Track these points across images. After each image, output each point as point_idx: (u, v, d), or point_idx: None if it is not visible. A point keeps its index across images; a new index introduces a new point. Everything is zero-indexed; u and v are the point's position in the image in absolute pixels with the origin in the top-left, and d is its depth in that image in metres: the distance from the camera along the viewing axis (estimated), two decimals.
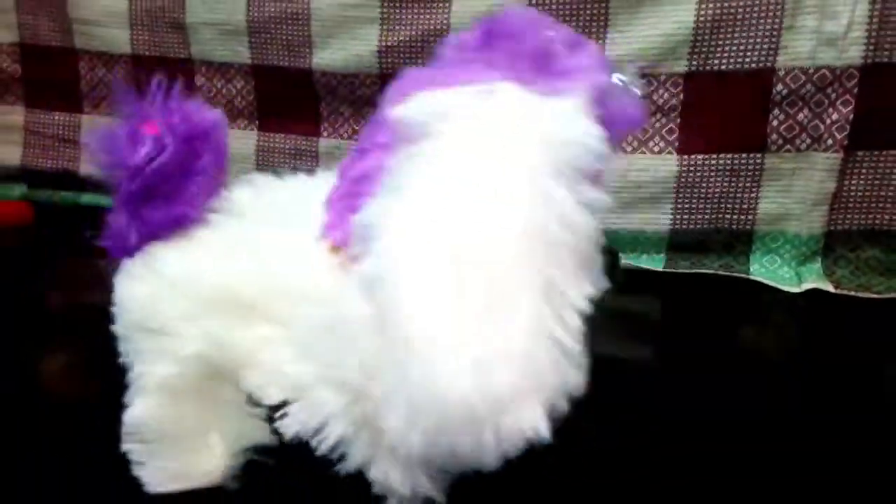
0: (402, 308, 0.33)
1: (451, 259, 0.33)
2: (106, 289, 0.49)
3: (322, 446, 0.40)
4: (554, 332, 0.33)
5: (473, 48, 0.40)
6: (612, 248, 0.40)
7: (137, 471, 0.48)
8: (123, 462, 0.48)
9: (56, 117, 1.17)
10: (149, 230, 0.47)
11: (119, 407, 0.48)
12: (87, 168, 1.16)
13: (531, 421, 0.32)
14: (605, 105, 0.38)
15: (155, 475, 0.48)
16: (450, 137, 0.36)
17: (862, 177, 0.87)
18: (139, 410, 0.47)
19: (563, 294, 0.34)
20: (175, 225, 0.47)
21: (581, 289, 0.35)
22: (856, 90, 0.84)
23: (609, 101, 0.38)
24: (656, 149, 0.92)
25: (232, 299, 0.43)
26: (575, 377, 0.34)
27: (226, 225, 0.47)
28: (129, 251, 0.48)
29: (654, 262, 0.95)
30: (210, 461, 0.49)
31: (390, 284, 0.33)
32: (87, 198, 1.18)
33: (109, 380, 0.49)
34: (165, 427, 0.48)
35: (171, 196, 0.46)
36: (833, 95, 0.85)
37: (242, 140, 1.08)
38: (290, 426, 0.41)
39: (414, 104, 0.38)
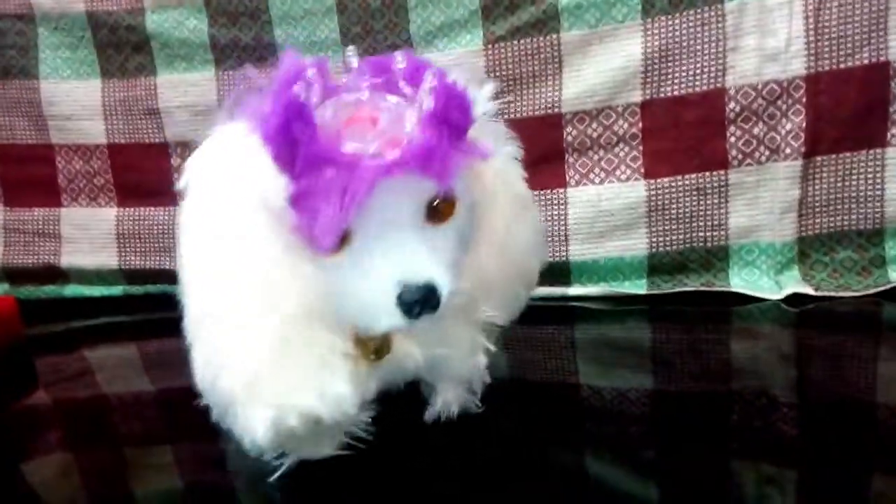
0: (190, 338, 0.47)
1: (212, 307, 0.44)
2: None
3: None
4: (291, 363, 0.43)
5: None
6: None
7: None
8: None
9: (35, 213, 1.18)
10: None
11: None
12: (68, 260, 1.18)
13: (254, 427, 0.43)
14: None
15: None
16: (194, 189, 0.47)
17: (823, 181, 0.90)
18: None
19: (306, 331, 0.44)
20: None
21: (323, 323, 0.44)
22: (804, 99, 0.88)
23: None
24: (623, 176, 0.95)
25: None
26: (311, 404, 0.43)
27: None
28: None
29: (636, 287, 0.96)
30: None
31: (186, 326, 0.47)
32: (70, 289, 1.19)
33: None
34: None
35: None
36: (784, 107, 0.89)
37: None
38: None
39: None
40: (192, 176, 0.46)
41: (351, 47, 0.45)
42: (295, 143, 0.39)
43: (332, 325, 0.44)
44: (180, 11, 1.06)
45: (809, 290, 0.89)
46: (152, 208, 1.14)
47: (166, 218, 1.13)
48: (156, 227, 1.14)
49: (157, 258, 1.14)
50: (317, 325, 0.43)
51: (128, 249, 1.15)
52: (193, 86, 1.07)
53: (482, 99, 0.49)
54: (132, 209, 1.15)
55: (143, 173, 1.13)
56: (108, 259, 1.16)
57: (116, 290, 1.18)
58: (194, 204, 0.46)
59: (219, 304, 0.44)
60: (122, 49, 1.10)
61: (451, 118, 0.42)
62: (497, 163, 0.50)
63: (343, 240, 0.42)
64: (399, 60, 0.44)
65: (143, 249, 1.15)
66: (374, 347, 0.49)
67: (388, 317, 0.42)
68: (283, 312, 0.42)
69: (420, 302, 0.41)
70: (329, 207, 0.39)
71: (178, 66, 1.08)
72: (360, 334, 0.48)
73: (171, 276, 1.11)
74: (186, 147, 1.10)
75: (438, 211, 0.44)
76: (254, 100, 0.42)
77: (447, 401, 0.59)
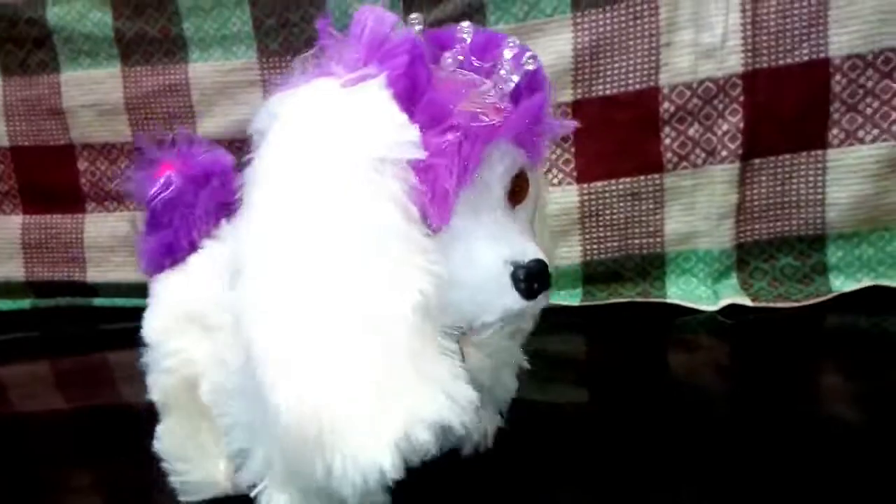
0: (258, 338, 0.33)
1: (304, 289, 0.33)
2: None
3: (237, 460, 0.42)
4: (416, 364, 0.33)
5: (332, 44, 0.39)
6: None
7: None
8: None
9: None
10: (148, 255, 0.52)
11: None
12: None
13: (374, 452, 0.31)
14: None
15: (178, 486, 0.51)
16: (277, 147, 0.36)
17: (763, 185, 0.85)
18: (159, 426, 0.51)
19: (428, 325, 0.34)
20: (167, 251, 0.51)
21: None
22: (741, 98, 0.83)
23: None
24: (555, 180, 0.89)
25: (198, 318, 0.47)
26: (446, 411, 0.32)
27: (213, 251, 0.50)
28: (151, 271, 0.53)
29: (571, 298, 0.91)
30: (215, 472, 0.50)
31: (248, 319, 0.34)
32: None
33: None
34: (174, 439, 0.51)
35: (169, 226, 0.51)
36: (720, 107, 0.84)
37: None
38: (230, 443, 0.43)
39: (262, 110, 0.38)
40: (280, 129, 0.36)
41: (416, 15, 0.38)
42: (419, 90, 0.34)
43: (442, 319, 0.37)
44: (83, 3, 0.98)
45: (746, 301, 0.85)
46: (60, 215, 1.07)
47: (75, 226, 1.06)
48: (64, 236, 1.07)
49: (67, 269, 1.08)
50: (433, 317, 0.35)
51: (35, 260, 1.08)
52: (99, 83, 1.00)
53: None
54: (38, 217, 1.08)
55: (49, 178, 1.06)
56: (13, 270, 1.09)
57: (24, 303, 1.11)
58: (285, 164, 0.36)
59: (327, 294, 0.33)
60: (23, 44, 1.02)
61: (544, 88, 0.39)
62: None
63: None
64: (465, 31, 0.39)
65: (51, 260, 1.08)
66: None
67: (504, 299, 0.37)
68: (414, 299, 0.34)
69: (536, 279, 0.36)
70: (451, 170, 0.34)
71: (82, 62, 1.00)
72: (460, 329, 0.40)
73: (82, 289, 1.07)
74: (93, 149, 1.03)
75: (517, 191, 0.39)
76: (341, 49, 0.36)
77: (487, 430, 0.54)
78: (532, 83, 0.39)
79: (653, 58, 0.84)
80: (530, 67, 0.38)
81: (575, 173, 0.89)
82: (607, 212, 0.89)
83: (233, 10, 0.94)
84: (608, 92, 0.86)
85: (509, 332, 0.48)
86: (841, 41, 0.80)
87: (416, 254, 0.34)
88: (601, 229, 0.89)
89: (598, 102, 0.86)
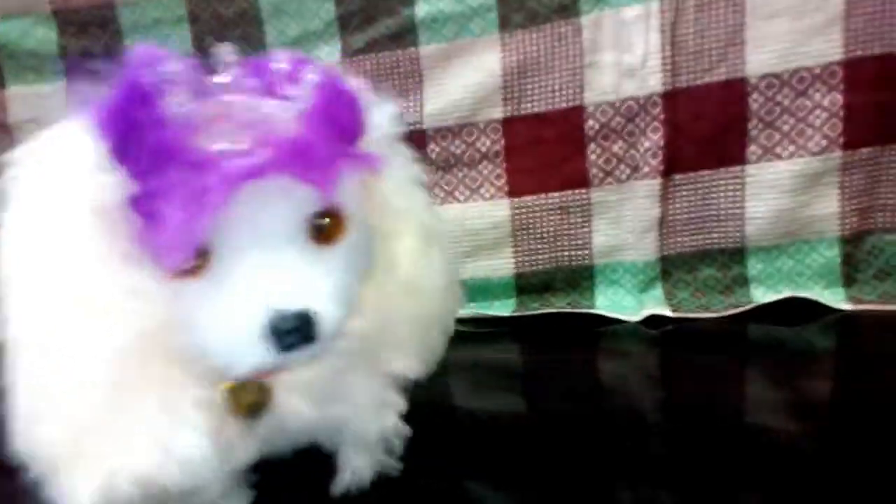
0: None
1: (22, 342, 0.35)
2: None
3: None
4: (120, 415, 0.34)
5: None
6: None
7: None
8: None
9: None
10: None
11: None
12: None
13: (78, 491, 0.34)
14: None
15: None
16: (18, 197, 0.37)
17: (684, 199, 0.88)
18: None
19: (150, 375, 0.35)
20: None
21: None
22: (662, 116, 0.85)
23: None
24: (487, 195, 0.92)
25: None
26: (151, 465, 0.34)
27: None
28: None
29: (504, 308, 0.94)
30: None
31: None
32: None
33: None
34: None
35: None
36: (642, 124, 0.86)
37: None
38: None
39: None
40: (13, 178, 0.37)
41: (228, 44, 0.37)
42: (137, 131, 0.32)
43: (186, 365, 0.36)
44: (28, 20, 0.99)
45: (668, 312, 0.87)
46: None
47: None
48: None
49: None
50: (162, 361, 0.35)
51: None
52: (45, 98, 1.01)
53: (382, 111, 0.43)
54: None
55: None
56: None
57: None
58: (14, 210, 0.37)
59: (38, 332, 0.35)
60: None
61: (337, 118, 0.35)
62: (399, 185, 0.44)
63: (202, 259, 0.34)
64: (279, 60, 0.37)
65: None
66: (249, 401, 0.40)
67: (252, 351, 0.34)
68: (116, 343, 0.34)
69: (294, 332, 0.33)
70: (178, 214, 0.32)
71: (27, 77, 1.02)
72: (233, 381, 0.39)
73: None
74: None
75: (324, 228, 0.36)
76: (97, 93, 0.35)
77: (357, 467, 0.50)
78: (316, 114, 0.35)
79: (577, 77, 0.86)
80: (306, 102, 0.35)
81: (506, 188, 0.91)
82: (538, 225, 0.91)
83: (173, 27, 0.95)
84: (536, 109, 0.88)
85: (352, 372, 0.45)
86: (758, 61, 0.83)
87: (127, 300, 0.33)
88: (532, 242, 0.92)
89: (527, 119, 0.89)
